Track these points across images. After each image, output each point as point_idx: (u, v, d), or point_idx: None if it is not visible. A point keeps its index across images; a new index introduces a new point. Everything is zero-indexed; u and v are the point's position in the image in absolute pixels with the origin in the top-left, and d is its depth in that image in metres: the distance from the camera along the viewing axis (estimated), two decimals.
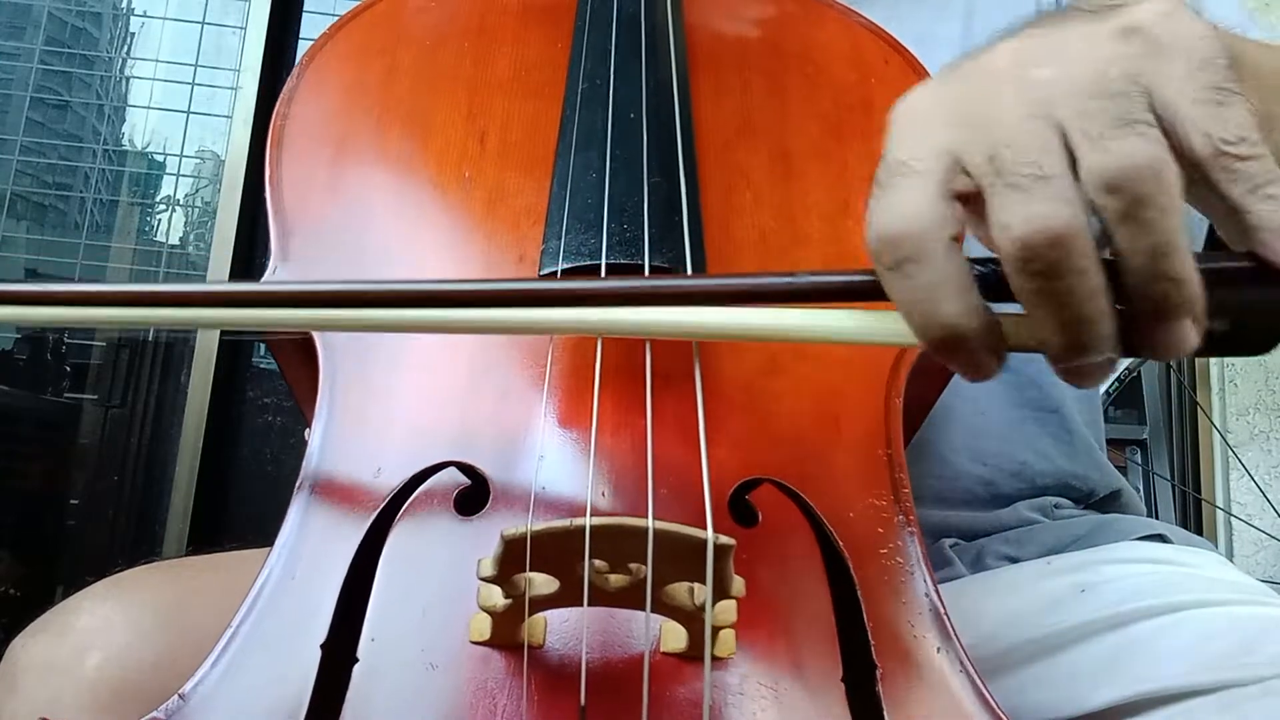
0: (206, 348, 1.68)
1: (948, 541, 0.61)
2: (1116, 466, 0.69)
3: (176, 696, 0.35)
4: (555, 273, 0.44)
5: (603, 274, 0.43)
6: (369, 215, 0.49)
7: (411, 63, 0.54)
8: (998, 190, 0.28)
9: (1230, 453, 1.66)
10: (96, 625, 0.51)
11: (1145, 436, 1.71)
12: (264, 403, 1.74)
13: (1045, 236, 0.27)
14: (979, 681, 0.37)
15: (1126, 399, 1.77)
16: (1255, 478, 1.62)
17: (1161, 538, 0.58)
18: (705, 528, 0.32)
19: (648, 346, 0.42)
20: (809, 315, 0.34)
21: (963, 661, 0.37)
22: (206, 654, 0.36)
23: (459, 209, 0.49)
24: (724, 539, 0.31)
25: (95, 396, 1.77)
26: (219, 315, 0.38)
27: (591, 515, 0.32)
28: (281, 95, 0.52)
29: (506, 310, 0.35)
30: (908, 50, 0.56)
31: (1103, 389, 0.75)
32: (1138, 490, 1.57)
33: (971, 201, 0.29)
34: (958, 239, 0.29)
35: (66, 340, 1.82)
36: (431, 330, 0.39)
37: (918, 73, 0.55)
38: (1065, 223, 0.27)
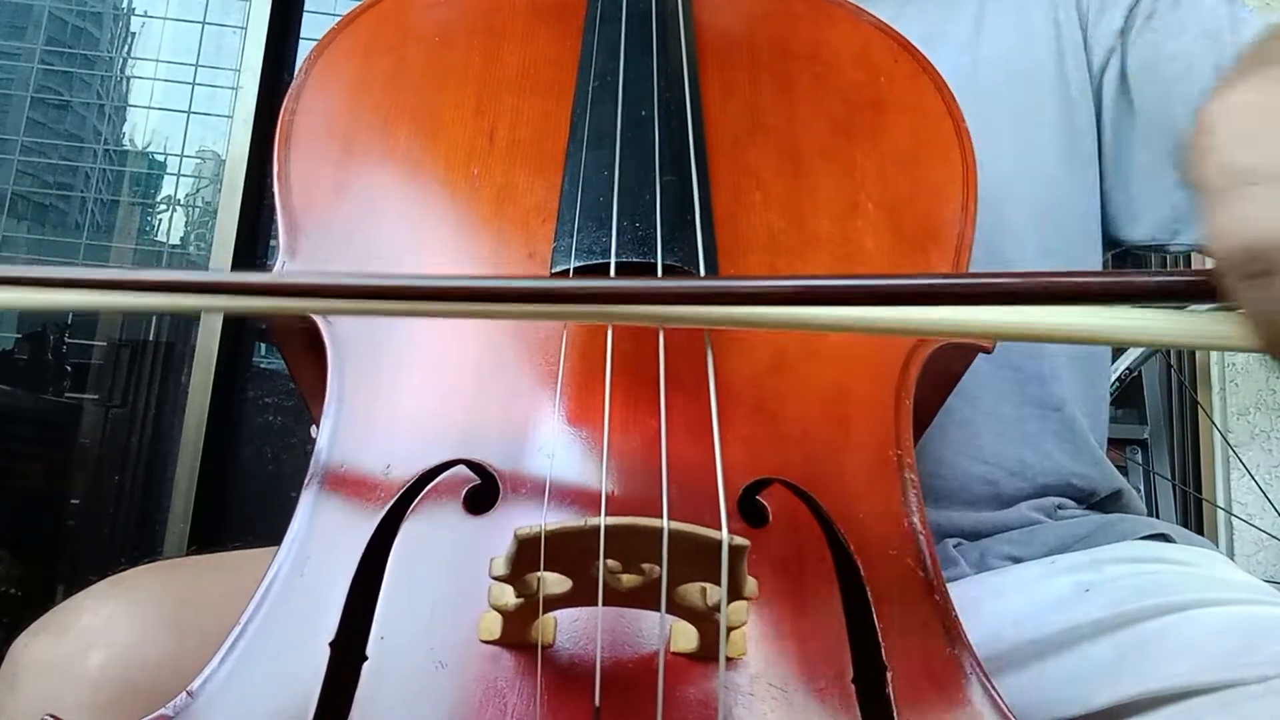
0: (207, 347, 1.68)
1: (951, 541, 0.61)
2: (1116, 466, 0.69)
3: (184, 694, 0.35)
4: (567, 271, 0.44)
5: (612, 273, 0.43)
6: (377, 212, 0.49)
7: (419, 59, 0.54)
8: None
9: (1231, 452, 1.66)
10: (99, 624, 0.51)
11: (1146, 436, 1.71)
12: (264, 403, 1.74)
13: None
14: (989, 684, 0.37)
15: (1127, 399, 1.77)
16: (1256, 477, 1.62)
17: (1164, 537, 0.58)
18: (718, 528, 0.32)
19: (661, 345, 0.42)
20: (1128, 315, 0.33)
21: (973, 663, 0.37)
22: (212, 652, 0.36)
23: (467, 206, 0.49)
24: (739, 540, 0.31)
25: (95, 396, 1.77)
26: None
27: (605, 515, 0.32)
28: (289, 92, 0.52)
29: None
30: (917, 49, 0.56)
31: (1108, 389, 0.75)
32: (1138, 490, 1.57)
33: None
34: None
35: (67, 340, 1.82)
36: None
37: (928, 72, 0.55)
38: None
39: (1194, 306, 0.33)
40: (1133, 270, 0.32)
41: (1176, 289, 0.32)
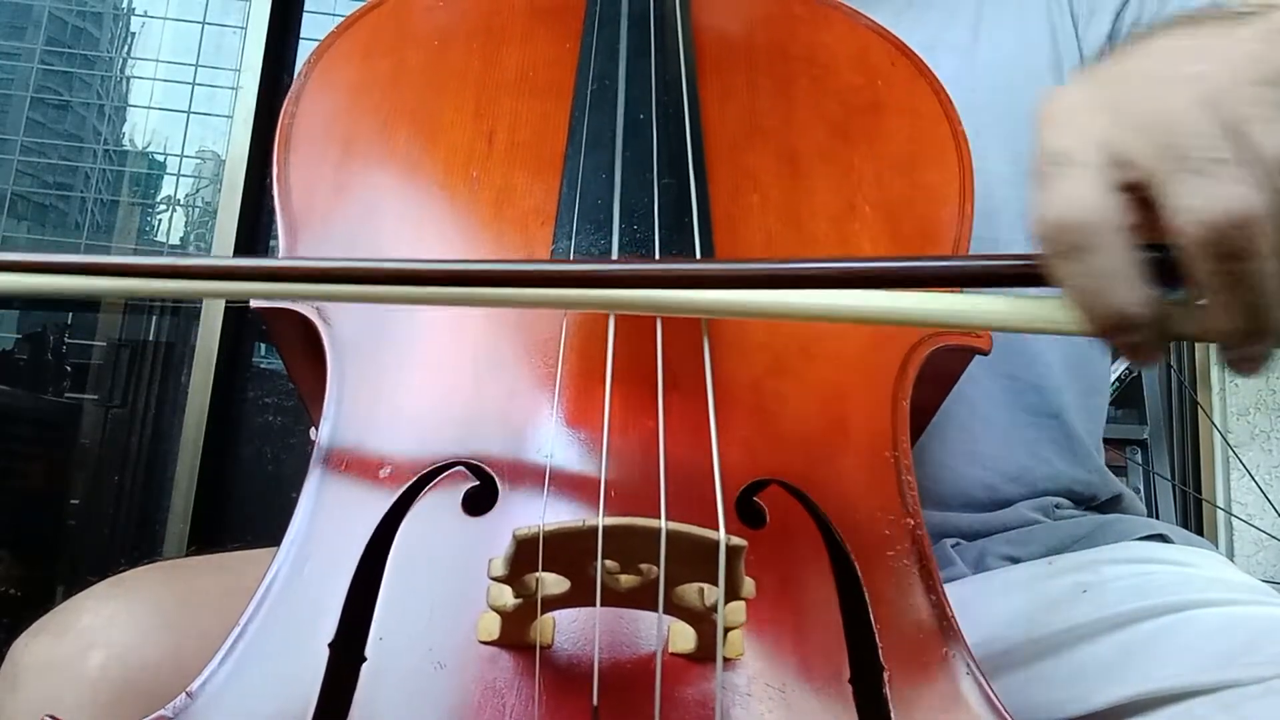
0: (207, 348, 1.68)
1: (949, 541, 0.61)
2: (1116, 466, 0.69)
3: (184, 694, 0.35)
4: None
5: None
6: (376, 215, 0.49)
7: (419, 62, 0.54)
8: (1178, 177, 0.29)
9: (1231, 453, 1.66)
10: (99, 624, 0.51)
11: (1146, 436, 1.71)
12: (264, 403, 1.74)
13: (1234, 219, 0.28)
14: (985, 683, 0.37)
15: (1127, 399, 1.77)
16: (1256, 478, 1.62)
17: (1163, 538, 0.58)
18: (716, 528, 0.32)
19: (659, 346, 0.42)
20: (963, 300, 0.35)
21: (969, 663, 0.37)
22: (211, 653, 0.36)
23: (466, 209, 0.49)
24: (736, 540, 0.32)
25: (95, 396, 1.77)
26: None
27: (602, 516, 0.32)
28: (289, 94, 0.52)
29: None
30: (915, 53, 0.56)
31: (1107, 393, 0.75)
32: (1138, 491, 1.56)
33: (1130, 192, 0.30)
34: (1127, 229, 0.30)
35: (67, 340, 1.82)
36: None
37: (925, 76, 0.55)
38: (1255, 204, 0.28)
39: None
40: (962, 255, 0.33)
41: (1004, 272, 0.33)
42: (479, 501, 0.39)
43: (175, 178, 1.91)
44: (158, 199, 1.95)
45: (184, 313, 1.75)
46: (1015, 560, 0.59)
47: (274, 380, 1.74)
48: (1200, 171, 0.29)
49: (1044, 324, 0.33)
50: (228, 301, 1.56)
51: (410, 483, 0.40)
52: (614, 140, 0.48)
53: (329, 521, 0.40)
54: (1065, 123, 0.33)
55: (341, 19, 0.57)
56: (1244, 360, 0.31)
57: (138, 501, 1.70)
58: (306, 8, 1.87)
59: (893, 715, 0.35)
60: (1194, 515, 1.72)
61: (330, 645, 0.36)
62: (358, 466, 0.41)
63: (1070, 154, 0.31)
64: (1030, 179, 0.32)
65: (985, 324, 0.35)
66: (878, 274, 0.34)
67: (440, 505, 0.39)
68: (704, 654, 0.35)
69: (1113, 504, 0.66)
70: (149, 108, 1.93)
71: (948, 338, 0.46)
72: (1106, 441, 0.70)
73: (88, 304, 1.80)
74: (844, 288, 0.34)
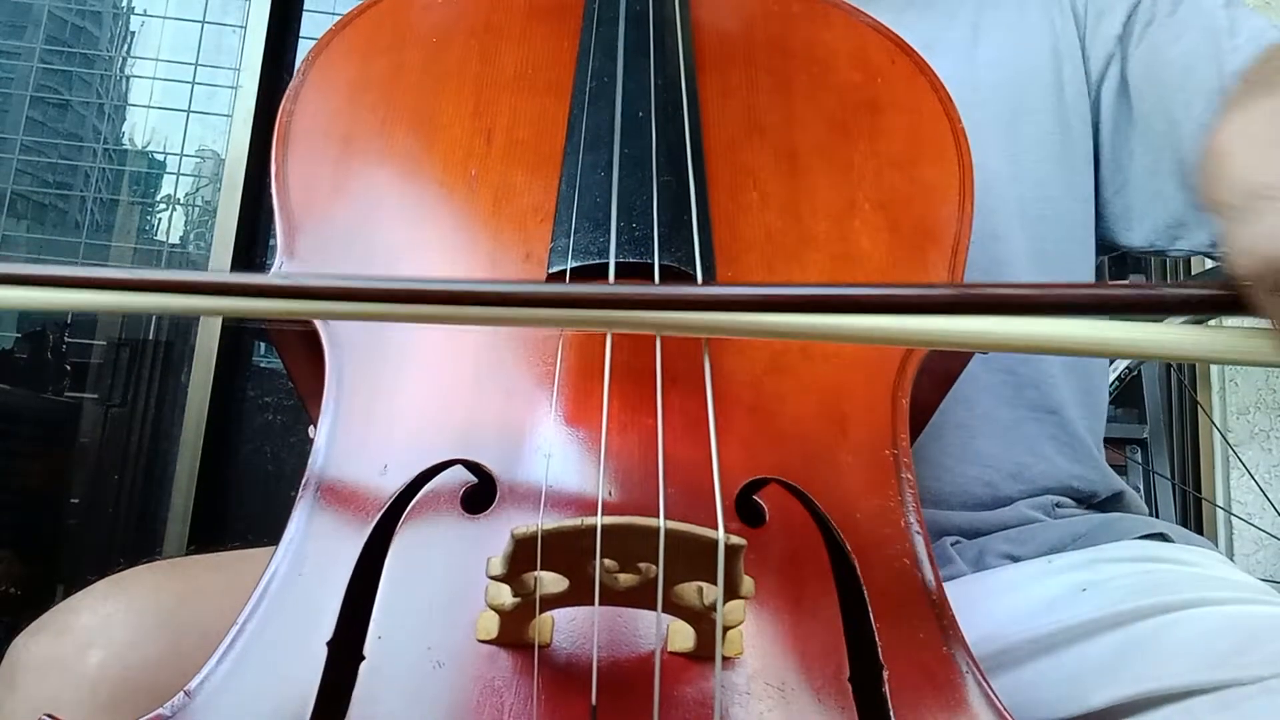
0: (206, 347, 1.68)
1: (949, 540, 0.61)
2: (1116, 466, 0.69)
3: (182, 693, 0.35)
4: (565, 271, 0.44)
5: (611, 273, 0.43)
6: (375, 213, 0.49)
7: (417, 60, 0.54)
8: None
9: (1230, 452, 1.66)
10: (98, 623, 0.51)
11: (1145, 436, 1.71)
12: (264, 402, 1.74)
13: None
14: (985, 682, 0.37)
15: (1126, 398, 1.77)
16: (1255, 477, 1.62)
17: (1162, 536, 0.58)
18: (715, 527, 0.32)
19: (658, 345, 0.42)
20: (1157, 330, 0.34)
21: (969, 662, 0.37)
22: (210, 652, 0.36)
23: (465, 207, 0.49)
24: (735, 539, 0.31)
25: (95, 396, 1.77)
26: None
27: (601, 514, 0.32)
28: (287, 92, 0.52)
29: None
30: (914, 51, 0.56)
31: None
32: (1138, 490, 1.56)
33: None
34: None
35: (67, 340, 1.82)
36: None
37: (924, 73, 0.55)
38: None
39: (1224, 321, 0.33)
40: (1156, 284, 0.32)
41: (1202, 302, 0.33)
42: (477, 500, 0.39)
43: (175, 177, 1.91)
44: (157, 198, 1.95)
45: None
46: (1015, 559, 0.59)
47: (274, 380, 1.74)
48: None
49: (1240, 355, 0.32)
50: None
51: (409, 481, 0.40)
52: (612, 138, 0.48)
53: (327, 520, 0.40)
54: (1260, 154, 0.32)
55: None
56: None
57: (138, 501, 1.70)
58: (306, 7, 1.87)
59: (892, 714, 0.35)
60: (1194, 514, 1.72)
61: (329, 644, 0.36)
62: (356, 465, 0.41)
63: (1273, 187, 0.31)
64: (1221, 212, 0.32)
65: (1178, 356, 0.34)
66: (1068, 301, 0.33)
67: (439, 504, 0.39)
68: (703, 653, 0.35)
69: (1113, 502, 0.66)
70: (149, 107, 1.93)
71: None
72: (1106, 441, 0.70)
73: None
74: (1007, 314, 0.33)
